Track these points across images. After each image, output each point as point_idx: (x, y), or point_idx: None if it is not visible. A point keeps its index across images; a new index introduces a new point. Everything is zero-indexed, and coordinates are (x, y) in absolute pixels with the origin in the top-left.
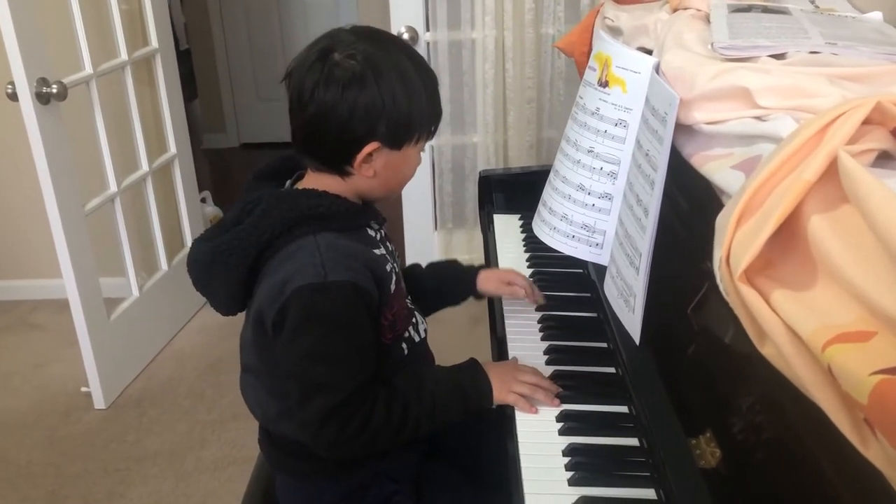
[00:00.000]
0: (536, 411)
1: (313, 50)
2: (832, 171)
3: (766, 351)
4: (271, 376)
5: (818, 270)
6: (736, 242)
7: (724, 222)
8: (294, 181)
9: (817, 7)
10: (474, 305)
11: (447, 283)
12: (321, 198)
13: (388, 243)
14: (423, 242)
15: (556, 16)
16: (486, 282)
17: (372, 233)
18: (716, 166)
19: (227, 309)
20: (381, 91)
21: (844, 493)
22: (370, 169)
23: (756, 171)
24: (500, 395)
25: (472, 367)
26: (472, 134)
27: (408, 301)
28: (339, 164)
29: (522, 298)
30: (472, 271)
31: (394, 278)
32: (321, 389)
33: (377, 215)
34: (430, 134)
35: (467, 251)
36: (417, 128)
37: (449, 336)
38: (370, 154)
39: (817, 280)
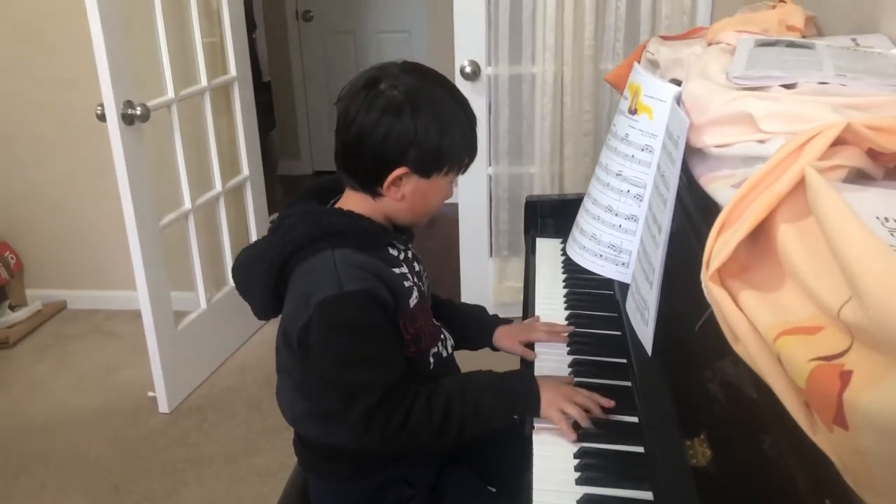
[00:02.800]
0: (576, 437)
1: (362, 79)
2: (803, 184)
3: (738, 349)
4: (302, 376)
5: (785, 274)
6: (715, 250)
7: (709, 233)
8: (335, 200)
9: (858, 45)
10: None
11: (470, 328)
12: (342, 216)
13: (414, 263)
14: (479, 269)
15: (615, 52)
16: (502, 338)
17: (395, 252)
18: (718, 185)
19: (262, 313)
20: (416, 122)
21: (806, 481)
22: (399, 192)
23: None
24: (548, 410)
25: (523, 374)
26: (530, 165)
27: (434, 320)
28: (372, 184)
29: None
30: (494, 323)
31: (414, 293)
32: (357, 391)
33: (400, 236)
34: (462, 168)
35: (520, 279)
36: (447, 160)
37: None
38: (399, 178)
39: (784, 283)
